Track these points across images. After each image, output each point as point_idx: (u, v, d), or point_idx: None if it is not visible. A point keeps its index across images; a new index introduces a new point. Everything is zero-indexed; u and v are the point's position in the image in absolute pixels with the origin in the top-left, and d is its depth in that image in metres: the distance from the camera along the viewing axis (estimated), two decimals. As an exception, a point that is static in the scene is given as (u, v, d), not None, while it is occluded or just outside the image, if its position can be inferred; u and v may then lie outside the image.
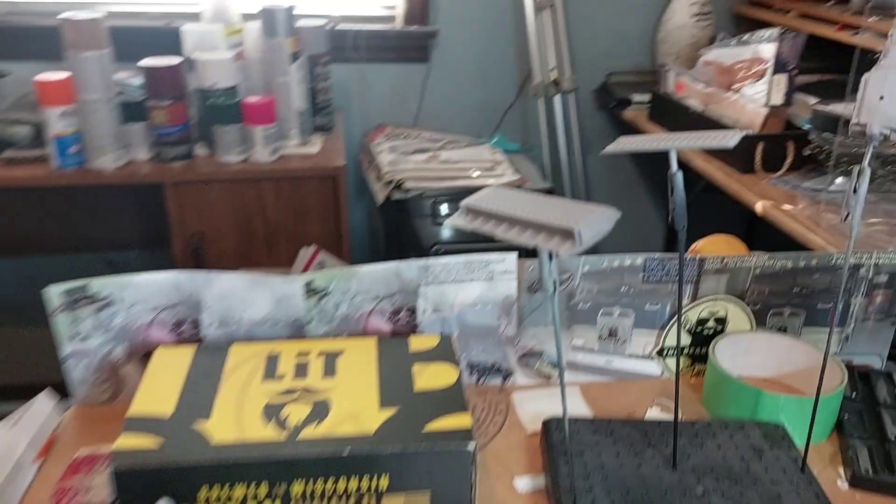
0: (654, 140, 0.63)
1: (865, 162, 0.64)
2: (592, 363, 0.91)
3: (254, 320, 0.82)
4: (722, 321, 0.91)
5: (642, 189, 2.70)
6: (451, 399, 0.68)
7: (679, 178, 0.63)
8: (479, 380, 0.89)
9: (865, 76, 0.65)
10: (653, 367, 0.92)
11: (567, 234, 0.48)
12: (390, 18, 2.36)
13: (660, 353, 0.91)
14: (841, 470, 0.78)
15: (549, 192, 2.04)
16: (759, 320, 0.92)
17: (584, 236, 0.47)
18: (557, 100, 2.27)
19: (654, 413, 0.85)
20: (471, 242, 2.00)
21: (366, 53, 2.29)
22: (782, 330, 0.93)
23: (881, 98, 0.63)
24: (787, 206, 1.71)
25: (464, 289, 0.84)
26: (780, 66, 1.83)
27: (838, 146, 1.61)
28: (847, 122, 1.55)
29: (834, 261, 0.89)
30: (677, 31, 2.35)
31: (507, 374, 0.89)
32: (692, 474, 0.72)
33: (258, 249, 1.88)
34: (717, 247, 0.96)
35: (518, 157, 2.25)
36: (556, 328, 0.57)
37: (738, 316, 0.91)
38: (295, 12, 1.82)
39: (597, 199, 2.56)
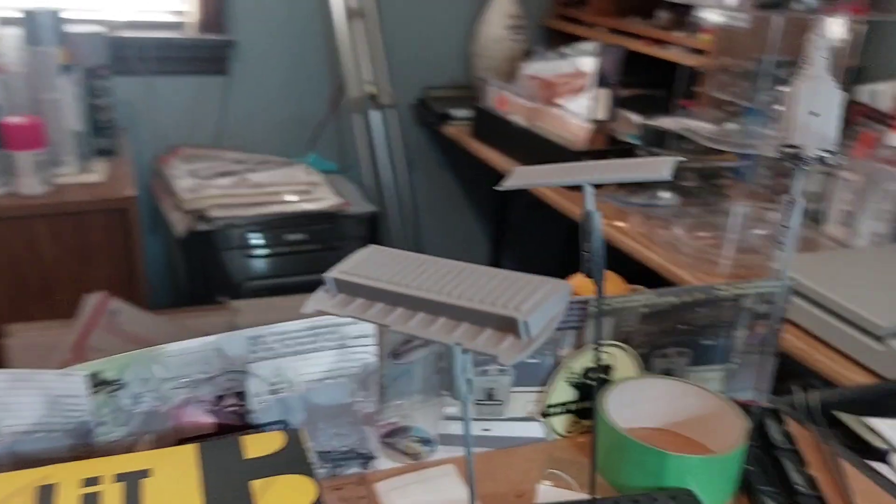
0: (565, 171, 0.49)
1: (797, 191, 0.54)
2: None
3: (18, 431, 0.59)
4: (607, 369, 0.80)
5: (468, 207, 2.62)
6: (312, 530, 0.50)
7: (597, 218, 0.49)
8: (332, 471, 0.71)
9: (789, 89, 0.55)
10: (536, 430, 0.79)
11: (505, 326, 0.32)
12: (180, 26, 2.10)
13: (543, 413, 0.78)
14: (758, 536, 0.69)
15: (374, 215, 1.88)
16: (645, 363, 0.82)
17: (532, 329, 0.31)
18: (375, 115, 2.12)
19: (546, 490, 0.72)
20: (294, 276, 1.80)
21: (154, 65, 2.01)
22: (668, 372, 0.83)
23: (812, 114, 0.53)
24: (620, 223, 1.67)
25: (308, 361, 0.66)
26: (602, 81, 1.80)
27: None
28: (677, 136, 1.53)
29: (717, 294, 0.81)
30: (493, 44, 2.28)
31: (367, 460, 0.72)
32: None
33: (32, 301, 1.56)
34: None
35: (336, 177, 2.08)
36: (468, 440, 0.41)
37: (623, 361, 0.80)
38: (65, 17, 1.54)
39: (423, 220, 2.44)
